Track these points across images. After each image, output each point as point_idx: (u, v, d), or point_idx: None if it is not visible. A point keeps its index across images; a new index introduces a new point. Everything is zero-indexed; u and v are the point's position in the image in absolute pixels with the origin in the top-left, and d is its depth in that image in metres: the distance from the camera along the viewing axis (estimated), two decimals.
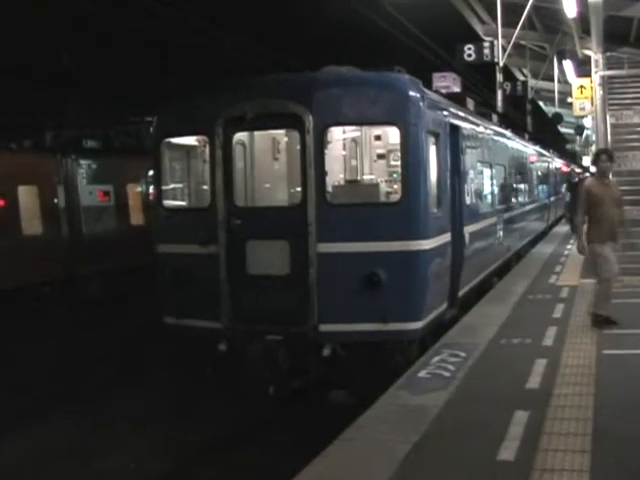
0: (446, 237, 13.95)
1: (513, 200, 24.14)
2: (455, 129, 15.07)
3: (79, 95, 37.81)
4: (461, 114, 16.45)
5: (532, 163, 31.73)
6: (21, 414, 14.59)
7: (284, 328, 12.28)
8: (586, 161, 57.64)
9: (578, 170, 67.80)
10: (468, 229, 15.78)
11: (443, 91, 21.51)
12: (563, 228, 40.06)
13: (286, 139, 14.33)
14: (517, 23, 29.88)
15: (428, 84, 19.65)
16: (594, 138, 24.53)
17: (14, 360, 18.11)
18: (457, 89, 25.70)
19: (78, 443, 13.21)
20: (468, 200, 16.12)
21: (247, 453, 12.29)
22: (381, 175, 15.48)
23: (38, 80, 36.56)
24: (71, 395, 15.71)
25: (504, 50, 31.98)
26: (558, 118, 49.89)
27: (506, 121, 28.85)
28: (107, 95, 39.49)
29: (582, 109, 25.39)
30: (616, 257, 14.44)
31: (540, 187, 34.92)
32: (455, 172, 14.88)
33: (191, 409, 14.05)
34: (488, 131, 20.07)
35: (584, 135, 56.52)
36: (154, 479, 11.59)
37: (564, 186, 43.61)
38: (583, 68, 26.93)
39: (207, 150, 13.03)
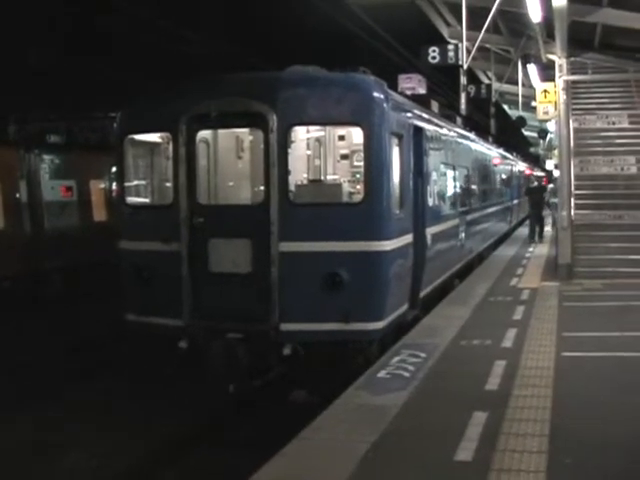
0: (408, 238, 14.00)
1: (476, 202, 24.26)
2: (419, 131, 15.12)
3: (44, 89, 37.53)
4: (425, 116, 16.52)
5: (495, 166, 31.91)
6: None
7: (245, 326, 12.29)
8: (549, 164, 57.91)
9: (540, 174, 68.30)
10: (430, 230, 15.85)
11: (408, 92, 21.67)
12: (526, 230, 40.30)
13: (250, 138, 14.33)
14: (482, 26, 30.01)
15: (394, 85, 19.74)
16: (557, 142, 24.62)
17: None
18: (422, 91, 25.88)
19: (38, 441, 13.12)
20: (431, 202, 16.19)
21: (206, 451, 12.26)
22: (344, 175, 15.53)
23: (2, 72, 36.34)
24: (30, 391, 15.59)
25: (469, 53, 32.10)
26: (522, 121, 50.10)
27: (470, 124, 29.00)
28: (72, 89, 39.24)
29: (546, 113, 25.46)
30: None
31: (503, 190, 35.13)
32: (418, 174, 14.94)
33: (150, 407, 13.99)
34: (452, 133, 20.17)
35: (547, 139, 56.73)
36: (113, 477, 11.53)
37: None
38: (547, 72, 27.04)
39: (170, 147, 13.01)
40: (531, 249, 30.15)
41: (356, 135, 14.03)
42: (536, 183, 40.87)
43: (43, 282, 26.07)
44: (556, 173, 32.10)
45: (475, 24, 30.90)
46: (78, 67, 35.47)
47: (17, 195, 25.80)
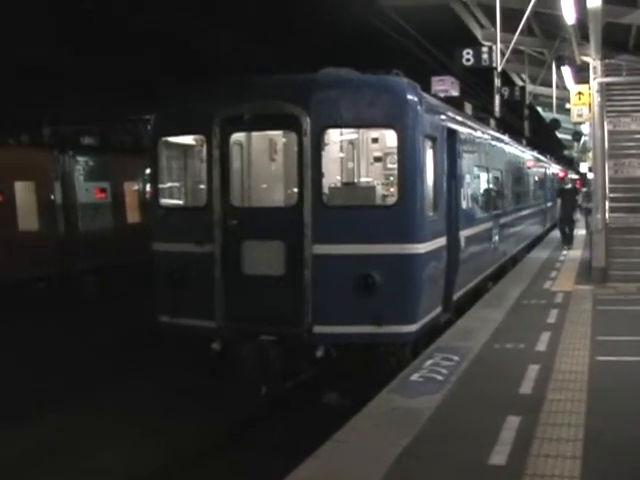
0: (442, 241, 13.96)
1: (509, 205, 24.15)
2: (452, 133, 15.08)
3: (78, 91, 37.74)
4: (458, 118, 16.47)
5: (529, 168, 31.76)
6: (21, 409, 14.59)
7: (278, 328, 12.30)
8: (583, 167, 57.55)
9: (574, 176, 67.85)
10: (464, 233, 15.81)
11: (441, 95, 21.56)
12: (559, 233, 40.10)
13: (283, 140, 14.34)
14: (516, 28, 29.86)
15: (427, 88, 19.67)
16: (591, 144, 24.45)
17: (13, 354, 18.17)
18: (455, 93, 25.75)
19: (71, 441, 13.19)
20: (464, 204, 16.15)
21: (238, 453, 12.27)
22: (378, 178, 15.50)
23: (37, 75, 36.55)
24: (64, 392, 15.68)
25: (503, 55, 31.95)
26: (556, 124, 49.83)
27: (503, 126, 28.87)
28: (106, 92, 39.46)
29: (580, 115, 25.31)
30: None
31: (537, 192, 34.96)
32: (452, 176, 14.90)
33: (183, 408, 14.03)
34: (485, 136, 20.10)
35: (582, 141, 56.42)
36: (144, 478, 11.57)
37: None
38: (581, 74, 26.87)
39: (204, 149, 13.05)
40: (565, 252, 29.98)
41: (390, 137, 14.00)
42: (570, 185, 40.25)
43: (77, 283, 26.24)
44: (590, 176, 31.82)
45: (509, 26, 30.74)
46: (112, 68, 35.67)
47: (52, 197, 25.99)
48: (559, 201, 34.75)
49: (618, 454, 8.22)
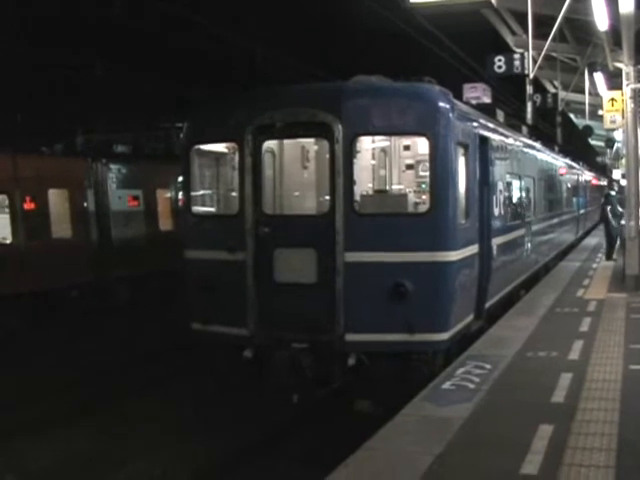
0: (474, 248, 13.93)
1: (542, 212, 24.04)
2: (484, 140, 15.04)
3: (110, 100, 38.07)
4: (490, 125, 16.42)
5: (561, 175, 31.57)
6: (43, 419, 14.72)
7: (310, 336, 12.30)
8: (616, 174, 57.23)
9: (603, 183, 67.34)
10: (496, 241, 15.75)
11: (473, 102, 21.49)
12: (592, 240, 39.86)
13: (315, 148, 14.37)
14: (548, 35, 29.76)
15: (458, 95, 19.64)
16: (624, 151, 24.31)
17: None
18: (487, 100, 25.62)
19: (103, 449, 13.28)
20: (496, 212, 16.09)
21: (270, 461, 12.31)
22: (409, 185, 15.48)
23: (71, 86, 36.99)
24: (97, 401, 15.79)
25: (534, 62, 31.83)
26: (588, 131, 49.67)
27: (536, 133, 28.74)
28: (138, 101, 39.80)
29: (613, 122, 25.21)
30: None
31: (569, 199, 34.74)
32: (484, 183, 14.86)
33: (213, 416, 14.08)
34: (517, 143, 20.02)
35: (614, 148, 56.15)
36: None
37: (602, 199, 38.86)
38: (614, 81, 26.77)
39: (236, 157, 13.09)
40: (597, 260, 29.78)
41: (421, 145, 13.98)
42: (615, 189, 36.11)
43: (110, 291, 26.40)
44: (623, 182, 31.50)
45: (541, 32, 30.68)
46: (143, 80, 35.90)
47: (85, 205, 26.17)
48: (608, 208, 29.86)
49: None
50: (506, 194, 17.56)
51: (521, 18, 32.03)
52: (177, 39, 32.37)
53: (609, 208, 28.99)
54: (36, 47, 34.28)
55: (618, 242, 28.14)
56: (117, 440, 13.67)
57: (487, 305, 15.19)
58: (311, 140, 14.18)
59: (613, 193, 31.29)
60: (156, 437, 13.63)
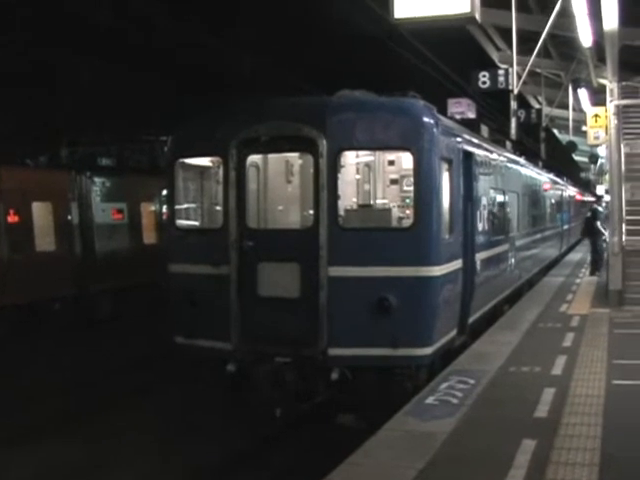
0: (457, 263, 13.94)
1: (525, 227, 24.10)
2: (468, 156, 15.08)
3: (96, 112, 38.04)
4: (475, 141, 16.46)
5: (545, 191, 31.66)
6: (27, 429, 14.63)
7: (293, 350, 12.29)
8: (600, 190, 57.45)
9: (589, 199, 67.57)
10: (480, 256, 15.78)
11: (458, 117, 21.58)
12: (576, 256, 39.96)
13: (300, 162, 14.37)
14: (532, 50, 29.93)
15: (443, 110, 19.71)
16: (608, 167, 24.42)
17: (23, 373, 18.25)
18: (472, 115, 25.76)
19: (84, 460, 13.21)
20: (480, 227, 16.12)
21: (252, 475, 12.27)
22: (394, 200, 15.49)
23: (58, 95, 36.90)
24: (80, 412, 15.72)
25: (519, 77, 31.98)
26: (572, 146, 49.87)
27: (520, 148, 28.84)
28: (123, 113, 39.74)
29: (596, 138, 25.39)
30: None
31: (553, 215, 34.83)
32: (468, 199, 14.89)
33: (195, 429, 14.03)
34: (501, 158, 20.07)
35: (598, 164, 56.42)
36: None
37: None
38: (598, 97, 26.92)
39: (221, 171, 13.09)
40: (581, 275, 29.85)
41: (406, 160, 13.99)
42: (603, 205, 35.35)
43: (93, 304, 26.31)
44: (607, 198, 31.57)
45: (525, 48, 30.83)
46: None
47: (69, 218, 26.08)
48: (597, 224, 29.48)
49: (634, 479, 8.17)
50: (490, 209, 17.59)
51: (506, 34, 32.19)
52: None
53: (598, 223, 28.92)
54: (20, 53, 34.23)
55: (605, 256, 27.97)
56: (99, 450, 13.61)
57: (470, 320, 15.21)
58: (295, 154, 14.18)
59: (600, 209, 31.32)
60: (139, 450, 13.56)
